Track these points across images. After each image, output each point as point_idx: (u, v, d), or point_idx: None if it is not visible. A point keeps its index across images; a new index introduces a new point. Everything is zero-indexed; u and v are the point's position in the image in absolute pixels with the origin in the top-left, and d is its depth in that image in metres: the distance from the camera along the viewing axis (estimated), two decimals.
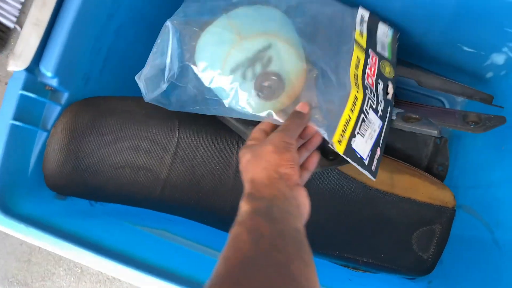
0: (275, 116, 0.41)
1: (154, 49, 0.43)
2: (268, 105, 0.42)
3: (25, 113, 0.41)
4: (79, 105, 0.45)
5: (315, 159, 0.42)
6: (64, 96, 0.44)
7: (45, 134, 0.43)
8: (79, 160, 0.45)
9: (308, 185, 0.51)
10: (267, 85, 0.41)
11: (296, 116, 0.39)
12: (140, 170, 0.47)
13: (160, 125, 0.48)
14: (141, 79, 0.43)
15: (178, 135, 0.48)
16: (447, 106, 0.71)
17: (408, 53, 0.64)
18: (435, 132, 0.54)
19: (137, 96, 0.50)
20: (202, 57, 0.42)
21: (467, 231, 0.55)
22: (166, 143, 0.48)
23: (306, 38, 0.43)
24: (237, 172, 0.50)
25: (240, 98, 0.42)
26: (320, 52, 0.43)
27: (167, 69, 0.43)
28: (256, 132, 0.40)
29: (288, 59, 0.42)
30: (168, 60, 0.43)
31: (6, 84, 1.02)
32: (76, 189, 0.46)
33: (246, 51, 0.41)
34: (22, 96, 0.40)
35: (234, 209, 0.51)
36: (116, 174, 0.47)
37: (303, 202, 0.35)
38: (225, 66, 0.41)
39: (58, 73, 0.41)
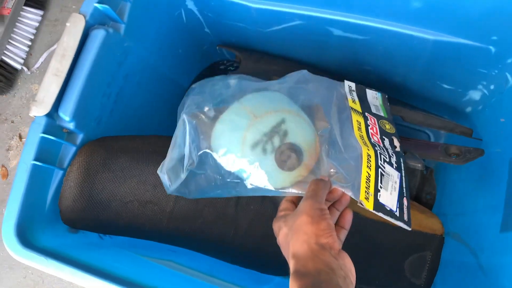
0: (296, 189, 0.45)
1: (172, 142, 0.47)
2: (289, 177, 0.45)
3: (44, 153, 0.45)
4: (92, 146, 0.49)
5: (349, 216, 0.43)
6: (79, 137, 0.48)
7: (61, 172, 0.47)
8: (92, 196, 0.48)
9: None
10: (287, 157, 0.45)
11: (318, 181, 0.40)
12: (148, 204, 0.51)
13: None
14: (163, 171, 0.47)
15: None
16: (432, 138, 0.76)
17: (394, 91, 0.69)
18: (419, 166, 0.58)
19: (145, 136, 0.55)
20: (220, 143, 0.46)
21: (456, 257, 0.59)
22: None
23: (311, 111, 0.48)
24: (238, 204, 0.53)
25: (262, 175, 0.45)
26: (325, 123, 0.48)
27: (186, 158, 0.46)
28: (284, 204, 0.42)
29: (302, 130, 0.46)
30: (186, 150, 0.46)
31: (12, 122, 1.07)
32: (88, 223, 0.50)
33: (263, 127, 0.45)
34: (42, 138, 0.44)
35: (235, 239, 0.55)
36: (125, 208, 0.50)
37: (350, 269, 0.35)
38: (244, 147, 0.45)
39: (74, 117, 0.46)
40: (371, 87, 0.67)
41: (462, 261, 0.56)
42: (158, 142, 0.53)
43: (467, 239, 0.57)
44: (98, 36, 0.46)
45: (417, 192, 0.66)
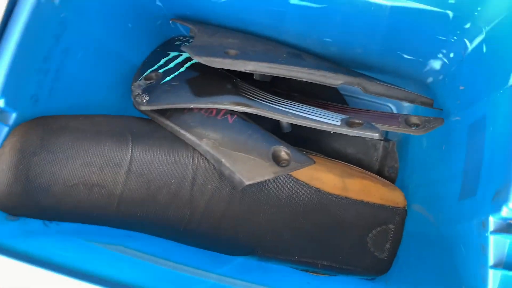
0: None
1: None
2: None
3: None
4: (28, 125, 0.45)
5: None
6: (12, 116, 0.44)
7: None
8: (29, 180, 0.44)
9: (265, 195, 0.53)
10: None
11: None
12: (94, 187, 0.48)
13: (112, 141, 0.48)
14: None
15: (132, 150, 0.49)
16: (394, 111, 0.75)
17: (355, 63, 0.68)
18: (376, 135, 0.56)
19: (89, 115, 0.51)
20: None
21: (418, 228, 0.58)
22: (120, 159, 0.48)
23: None
24: (193, 185, 0.51)
25: None
26: None
27: None
28: None
29: None
30: None
31: None
32: (28, 209, 0.46)
33: None
34: None
35: (192, 221, 0.52)
36: (69, 192, 0.47)
37: None
38: None
39: (4, 93, 0.41)
40: (331, 60, 0.65)
41: (424, 232, 0.55)
42: (104, 122, 0.50)
43: (428, 209, 0.56)
44: (26, 3, 0.42)
45: (380, 166, 0.65)
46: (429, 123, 0.54)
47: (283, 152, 0.50)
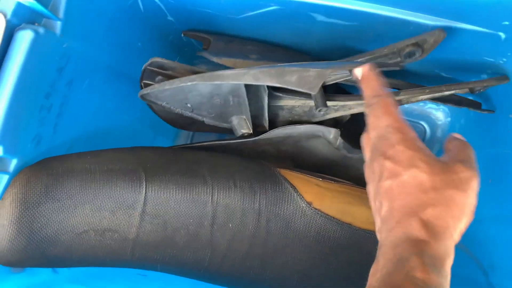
0: None
1: None
2: None
3: None
4: (29, 171, 0.41)
5: None
6: (12, 163, 0.40)
7: None
8: (34, 232, 0.40)
9: (292, 232, 0.48)
10: None
11: None
12: (106, 232, 0.44)
13: (124, 180, 0.44)
14: None
15: (146, 189, 0.44)
16: (428, 131, 0.69)
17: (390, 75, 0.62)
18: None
19: (97, 150, 0.46)
20: None
21: (461, 270, 0.53)
22: (133, 200, 0.44)
23: None
24: (213, 224, 0.46)
25: None
26: None
27: None
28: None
29: None
30: None
31: None
32: (34, 261, 0.42)
33: None
34: None
35: (212, 264, 0.48)
36: (79, 240, 0.43)
37: None
38: None
39: (2, 140, 0.37)
40: None
41: (468, 275, 0.50)
42: (114, 159, 0.46)
43: (474, 250, 0.51)
44: (24, 38, 0.37)
45: None
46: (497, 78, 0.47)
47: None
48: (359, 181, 0.59)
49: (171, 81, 0.47)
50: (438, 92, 0.47)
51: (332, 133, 0.53)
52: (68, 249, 0.43)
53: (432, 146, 0.68)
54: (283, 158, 0.59)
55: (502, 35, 0.44)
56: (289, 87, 0.39)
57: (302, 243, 0.49)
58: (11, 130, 0.38)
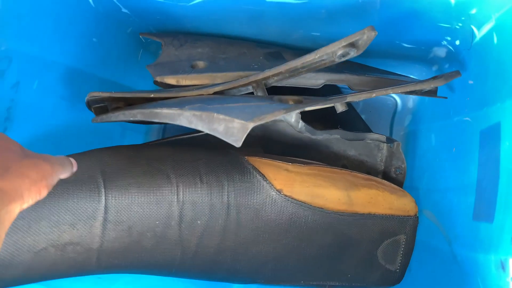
0: None
1: None
2: None
3: None
4: None
5: None
6: None
7: None
8: None
9: (263, 222, 0.47)
10: None
11: None
12: (67, 246, 0.42)
13: (81, 190, 0.42)
14: None
15: (105, 197, 0.43)
16: (399, 103, 0.68)
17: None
18: (383, 138, 0.51)
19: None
20: None
21: (430, 238, 0.53)
22: (93, 210, 0.42)
23: None
24: (180, 223, 0.45)
25: None
26: None
27: None
28: None
29: None
30: None
31: None
32: None
33: None
34: None
35: (184, 262, 0.47)
36: (38, 258, 0.41)
37: None
38: None
39: None
40: None
41: (436, 246, 0.50)
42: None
43: (440, 219, 0.50)
44: None
45: (385, 167, 0.60)
46: (447, 74, 0.47)
47: (290, 99, 0.44)
48: (330, 161, 0.58)
49: (116, 114, 0.46)
50: (384, 93, 0.46)
51: (293, 117, 0.52)
52: (27, 269, 0.41)
53: (404, 117, 0.67)
54: (252, 143, 0.58)
55: (452, 0, 0.42)
56: (218, 136, 0.38)
57: (274, 232, 0.48)
58: None
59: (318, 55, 0.42)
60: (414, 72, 0.63)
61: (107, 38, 0.58)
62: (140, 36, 0.61)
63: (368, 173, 0.58)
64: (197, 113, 0.39)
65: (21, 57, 0.44)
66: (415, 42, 0.53)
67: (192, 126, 0.39)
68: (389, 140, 0.57)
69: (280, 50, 0.57)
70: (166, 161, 0.46)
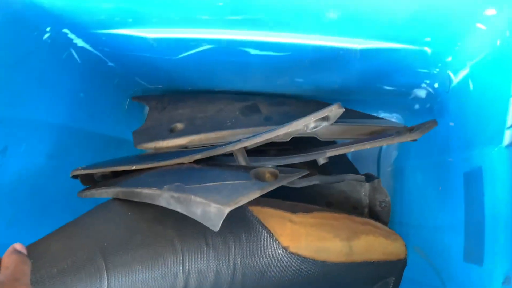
0: None
1: None
2: None
3: None
4: None
5: None
6: None
7: None
8: None
9: (268, 280, 0.46)
10: None
11: None
12: None
13: (81, 279, 0.38)
14: None
15: (108, 280, 0.39)
16: None
17: (335, 96, 0.63)
18: (362, 178, 0.52)
19: (39, 246, 0.40)
20: None
21: (423, 277, 0.53)
22: None
23: None
24: None
25: None
26: None
27: None
28: None
29: None
30: None
31: None
32: None
33: None
34: None
35: None
36: None
37: None
38: None
39: None
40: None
41: (427, 283, 0.50)
42: (65, 250, 0.39)
43: (432, 258, 0.51)
44: None
45: (370, 200, 0.60)
46: (424, 125, 0.47)
47: (267, 171, 0.43)
48: (316, 200, 0.59)
49: (99, 191, 0.48)
50: (362, 147, 0.47)
51: None
52: None
53: (391, 153, 0.69)
54: None
55: (428, 50, 0.45)
56: (196, 219, 0.38)
57: (277, 287, 0.47)
58: None
59: (291, 129, 0.44)
60: (397, 110, 0.64)
61: (94, 92, 0.59)
62: (133, 100, 0.64)
63: (355, 208, 0.59)
64: (175, 194, 0.39)
65: (9, 122, 0.44)
66: (395, 85, 0.56)
67: (171, 208, 0.39)
68: (369, 178, 0.58)
69: (256, 102, 0.58)
70: (167, 221, 0.43)
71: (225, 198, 0.37)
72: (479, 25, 0.39)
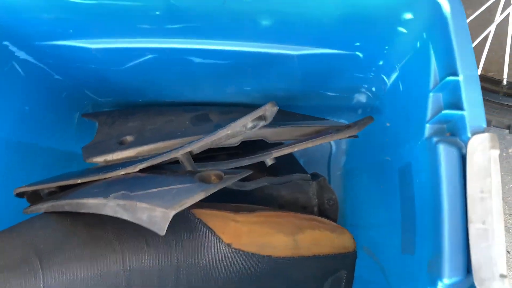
0: None
1: None
2: None
3: None
4: None
5: None
6: None
7: None
8: None
9: (213, 278, 0.46)
10: None
11: None
12: None
13: (15, 276, 0.38)
14: None
15: (43, 278, 0.39)
16: (333, 146, 0.72)
17: (282, 103, 0.64)
18: (308, 176, 0.53)
19: None
20: None
21: (371, 276, 0.55)
22: None
23: None
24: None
25: None
26: None
27: None
28: None
29: None
30: None
31: None
32: None
33: None
34: None
35: None
36: None
37: None
38: None
39: None
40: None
41: (374, 280, 0.52)
42: (1, 248, 0.40)
43: (376, 253, 0.53)
44: None
45: (318, 199, 0.62)
46: (360, 122, 0.49)
47: (212, 174, 0.43)
48: (268, 202, 0.60)
49: (45, 205, 0.47)
50: (305, 146, 0.49)
51: None
52: None
53: (340, 158, 0.71)
54: None
55: (360, 54, 0.47)
56: (143, 225, 0.39)
57: (225, 286, 0.47)
58: None
59: (230, 131, 0.45)
60: (343, 116, 0.67)
61: (40, 106, 0.58)
62: (82, 116, 0.65)
63: (304, 207, 0.61)
64: (121, 202, 0.40)
65: None
66: (337, 90, 0.58)
67: (118, 216, 0.40)
68: (314, 177, 0.60)
69: (207, 112, 0.60)
70: (106, 225, 0.44)
71: (170, 202, 0.38)
72: (401, 29, 0.41)
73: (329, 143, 0.72)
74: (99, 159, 0.56)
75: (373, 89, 0.55)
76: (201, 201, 0.50)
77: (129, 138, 0.57)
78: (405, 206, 0.44)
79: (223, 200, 0.56)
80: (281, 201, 0.62)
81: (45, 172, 0.58)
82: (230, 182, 0.43)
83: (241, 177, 0.45)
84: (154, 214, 0.38)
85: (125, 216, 0.40)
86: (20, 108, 0.55)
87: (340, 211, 0.64)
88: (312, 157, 0.72)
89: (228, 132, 0.45)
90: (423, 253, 0.37)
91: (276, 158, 0.53)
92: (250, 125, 0.45)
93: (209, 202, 0.51)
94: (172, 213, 0.37)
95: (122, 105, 0.68)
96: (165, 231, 0.37)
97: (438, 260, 0.32)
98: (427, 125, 0.38)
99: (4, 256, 0.39)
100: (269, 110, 0.43)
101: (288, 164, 0.66)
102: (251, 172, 0.47)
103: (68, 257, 0.40)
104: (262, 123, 0.45)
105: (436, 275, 0.32)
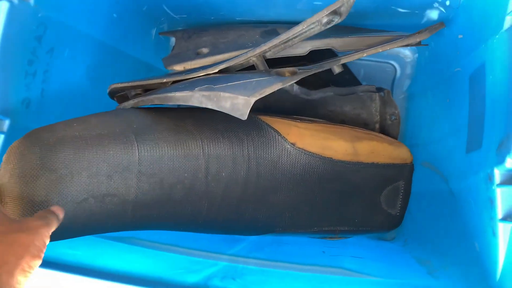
0: None
1: None
2: None
3: None
4: (22, 145, 0.41)
5: None
6: (6, 123, 0.43)
7: None
8: (34, 206, 0.41)
9: (280, 173, 0.51)
10: None
11: None
12: (106, 198, 0.44)
13: (115, 143, 0.44)
14: None
15: (138, 149, 0.45)
16: (398, 69, 0.72)
17: (351, 21, 0.65)
18: (372, 88, 0.55)
19: (79, 118, 0.46)
20: None
21: (430, 186, 0.57)
22: (128, 162, 0.45)
23: None
24: (207, 175, 0.48)
25: None
26: None
27: None
28: None
29: None
30: None
31: None
32: None
33: None
34: None
35: (210, 213, 0.50)
36: (80, 208, 0.43)
37: None
38: None
39: None
40: None
41: (435, 189, 0.54)
42: (101, 123, 0.46)
43: (438, 166, 0.55)
44: (0, 9, 0.41)
45: (380, 115, 0.64)
46: (432, 27, 0.51)
47: (286, 71, 0.47)
48: (330, 118, 0.63)
49: (135, 101, 0.52)
50: (375, 51, 0.50)
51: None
52: (71, 220, 0.43)
53: (403, 82, 0.71)
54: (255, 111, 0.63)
55: None
56: (226, 112, 0.43)
57: (290, 181, 0.53)
58: (0, 93, 0.42)
59: (306, 26, 0.47)
60: None
61: (126, 15, 0.63)
62: (159, 34, 0.70)
63: (366, 124, 0.63)
64: (206, 93, 0.44)
65: (55, 26, 0.48)
66: (409, 6, 0.58)
67: (203, 105, 0.44)
68: (379, 89, 0.61)
69: (276, 27, 0.62)
70: (186, 120, 0.49)
71: (251, 91, 0.42)
72: None
73: (394, 67, 0.73)
74: (179, 67, 0.60)
75: (447, 2, 0.54)
76: (265, 112, 0.55)
77: (204, 50, 0.60)
78: (474, 109, 0.45)
79: (288, 114, 0.60)
80: (343, 117, 0.64)
81: (128, 78, 0.63)
82: (304, 75, 0.46)
83: (314, 72, 0.48)
84: (237, 102, 0.42)
85: (209, 105, 0.44)
86: (109, 14, 0.60)
87: (401, 131, 0.65)
88: (375, 81, 0.73)
89: (304, 26, 0.47)
90: (491, 142, 0.39)
91: (341, 77, 0.55)
92: (325, 19, 0.46)
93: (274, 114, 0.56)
94: (253, 100, 0.41)
95: (194, 25, 0.72)
96: (246, 116, 0.41)
97: (508, 138, 0.34)
98: (508, 17, 0.38)
99: (106, 127, 0.45)
100: (346, 4, 0.44)
101: (349, 81, 0.68)
102: (323, 69, 0.49)
103: (157, 137, 0.46)
104: (337, 19, 0.46)
105: (506, 151, 0.34)
